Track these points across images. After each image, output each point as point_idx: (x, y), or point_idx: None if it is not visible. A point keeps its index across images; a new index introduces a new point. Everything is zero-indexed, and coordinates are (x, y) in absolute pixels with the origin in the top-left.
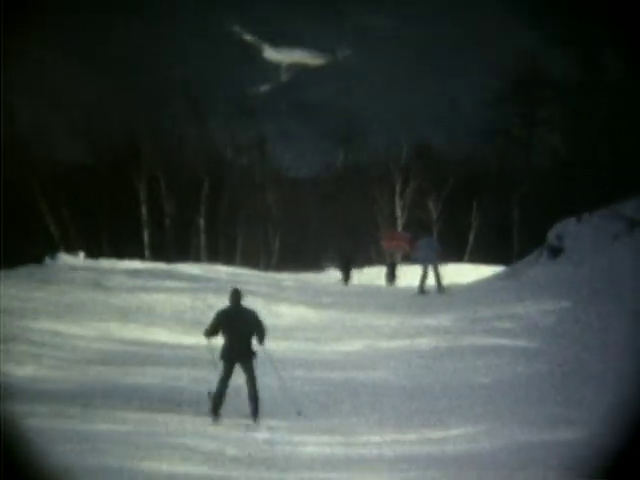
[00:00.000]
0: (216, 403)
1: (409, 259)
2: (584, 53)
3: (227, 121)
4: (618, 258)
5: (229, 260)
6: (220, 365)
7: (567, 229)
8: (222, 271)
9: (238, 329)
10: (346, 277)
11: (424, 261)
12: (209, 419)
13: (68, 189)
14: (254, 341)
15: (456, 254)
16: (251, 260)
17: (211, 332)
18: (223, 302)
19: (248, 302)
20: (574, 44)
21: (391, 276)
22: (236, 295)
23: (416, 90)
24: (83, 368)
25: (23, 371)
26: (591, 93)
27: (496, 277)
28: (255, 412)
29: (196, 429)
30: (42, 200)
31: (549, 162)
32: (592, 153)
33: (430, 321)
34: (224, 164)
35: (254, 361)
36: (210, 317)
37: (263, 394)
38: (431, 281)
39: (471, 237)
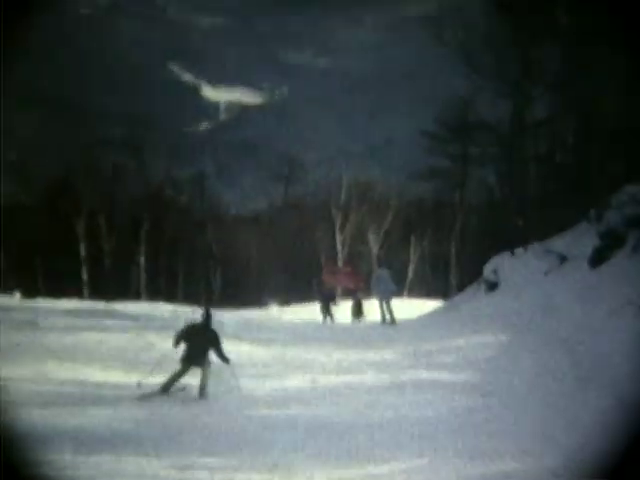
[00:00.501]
0: (166, 387)
1: (354, 294)
2: (515, 94)
3: (167, 159)
4: (550, 291)
5: (170, 298)
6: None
7: (502, 263)
8: (163, 309)
9: (199, 343)
10: (327, 314)
11: (382, 294)
12: (150, 459)
13: (4, 228)
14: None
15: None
16: (192, 298)
17: (177, 341)
18: (164, 340)
19: None
20: (505, 86)
21: (358, 311)
22: (207, 316)
23: (353, 127)
24: (17, 411)
25: None
26: (522, 133)
27: (436, 311)
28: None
29: (136, 470)
30: None
31: (484, 198)
32: (523, 189)
33: (373, 356)
34: (164, 201)
35: (208, 368)
36: (150, 356)
37: (203, 431)
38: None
39: (410, 271)
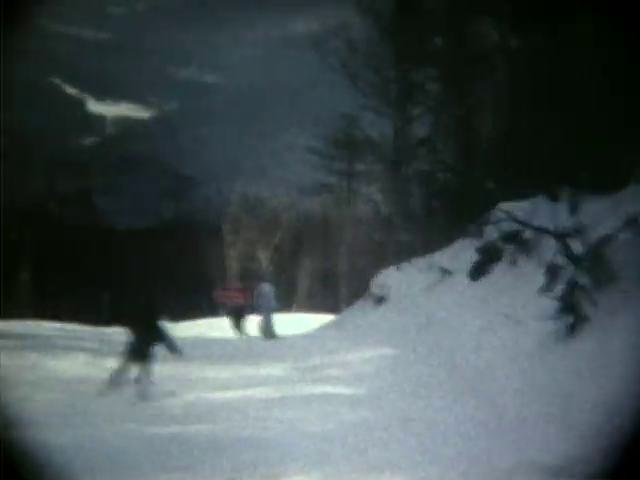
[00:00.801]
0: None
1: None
2: (396, 113)
3: (50, 173)
4: (435, 305)
5: (55, 316)
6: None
7: (389, 278)
8: (46, 327)
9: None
10: (240, 330)
11: (264, 309)
12: None
13: None
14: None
15: (286, 304)
16: (79, 316)
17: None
18: (46, 360)
19: (77, 358)
20: (387, 105)
21: (240, 326)
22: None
23: (241, 143)
24: None
25: None
26: (404, 151)
27: (325, 326)
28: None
29: None
30: None
31: (371, 213)
32: (406, 205)
33: (263, 371)
34: (49, 217)
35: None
36: (31, 376)
37: (89, 454)
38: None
39: (299, 287)
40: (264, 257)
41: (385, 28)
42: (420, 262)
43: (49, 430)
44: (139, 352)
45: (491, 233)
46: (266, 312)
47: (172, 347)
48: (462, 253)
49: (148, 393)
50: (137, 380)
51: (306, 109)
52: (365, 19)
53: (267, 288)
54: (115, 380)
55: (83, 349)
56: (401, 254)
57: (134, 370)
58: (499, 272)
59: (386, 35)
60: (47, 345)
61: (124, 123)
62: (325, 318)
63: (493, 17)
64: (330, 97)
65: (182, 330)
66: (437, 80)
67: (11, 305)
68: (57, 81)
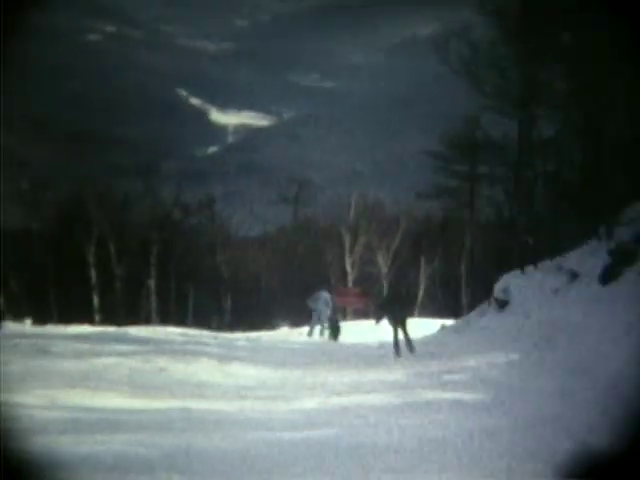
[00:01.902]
0: None
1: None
2: (520, 113)
3: (176, 182)
4: (561, 309)
5: (181, 321)
6: None
7: (512, 282)
8: (173, 333)
9: None
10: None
11: (319, 314)
12: None
13: (14, 255)
14: None
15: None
16: (203, 321)
17: None
18: (174, 364)
19: (201, 363)
20: (510, 106)
21: (335, 333)
22: None
23: (361, 148)
24: (29, 438)
25: None
26: (529, 151)
27: (446, 330)
28: None
29: None
30: None
31: (493, 216)
32: (532, 207)
33: (383, 377)
34: (173, 225)
35: None
36: (161, 380)
37: (217, 457)
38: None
39: (420, 291)
40: (383, 262)
41: (509, 27)
42: (546, 265)
43: (184, 435)
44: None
45: (623, 234)
46: (323, 316)
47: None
48: (591, 255)
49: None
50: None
51: (426, 112)
52: (488, 19)
53: (324, 295)
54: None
55: (208, 354)
56: (526, 257)
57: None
58: (631, 275)
59: (509, 34)
60: (174, 350)
61: (245, 131)
62: (446, 322)
63: (623, 12)
64: (450, 99)
65: (304, 335)
66: (565, 78)
67: (139, 311)
68: (183, 93)
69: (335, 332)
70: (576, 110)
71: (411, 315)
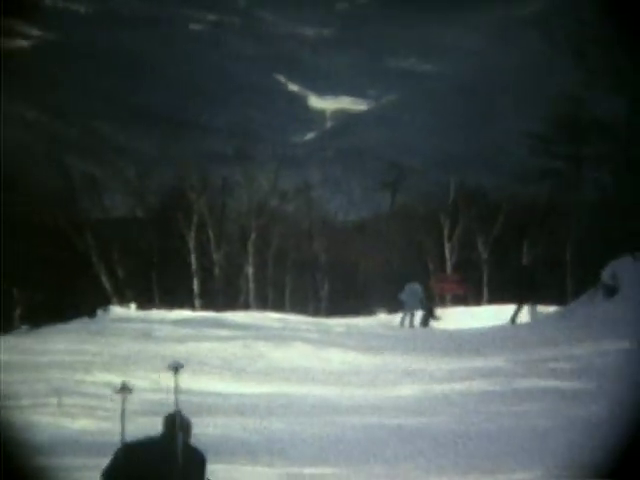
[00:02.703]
0: None
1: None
2: (630, 90)
3: (274, 168)
4: None
5: (278, 307)
6: None
7: (622, 268)
8: (271, 318)
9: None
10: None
11: (410, 307)
12: (263, 468)
13: (119, 242)
14: None
15: (507, 295)
16: (300, 306)
17: None
18: (272, 350)
19: (298, 348)
20: (620, 82)
21: (427, 320)
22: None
23: (461, 132)
24: (135, 419)
25: (77, 424)
26: (638, 129)
27: (552, 317)
28: None
29: (250, 478)
30: (95, 254)
31: (599, 199)
32: None
33: (484, 364)
34: (271, 212)
35: None
36: (259, 366)
37: (315, 443)
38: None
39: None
40: (483, 248)
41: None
42: None
43: (283, 419)
44: None
45: None
46: (412, 309)
47: None
48: None
49: None
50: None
51: (529, 94)
52: None
53: (416, 287)
54: None
55: (305, 340)
56: (636, 242)
57: None
58: None
59: (617, 10)
60: (272, 336)
61: (343, 117)
62: (550, 309)
63: None
64: (553, 80)
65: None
66: None
67: (238, 296)
68: (281, 79)
69: (426, 320)
70: None
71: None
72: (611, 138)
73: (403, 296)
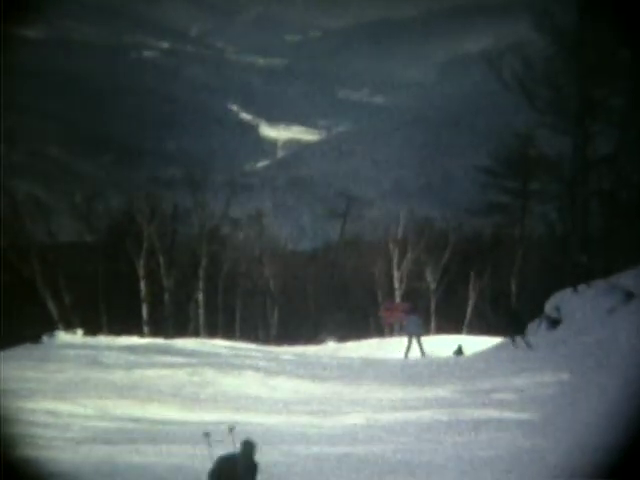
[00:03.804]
0: None
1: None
2: (576, 130)
3: (225, 196)
4: (615, 330)
5: (228, 334)
6: None
7: (564, 300)
8: (220, 345)
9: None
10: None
11: (412, 335)
12: None
13: (66, 266)
14: None
15: (454, 326)
16: (250, 333)
17: None
18: (220, 377)
19: (248, 376)
20: (566, 123)
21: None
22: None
23: (410, 164)
24: (78, 447)
25: (18, 454)
26: (584, 169)
27: (495, 348)
28: None
29: None
30: (40, 278)
31: (544, 234)
32: (585, 225)
33: (431, 394)
34: (222, 239)
35: None
36: (208, 393)
37: (261, 471)
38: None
39: (469, 308)
40: (432, 277)
41: (565, 43)
42: (600, 284)
43: (230, 447)
44: None
45: None
46: (417, 336)
47: None
48: None
49: None
50: None
51: (477, 128)
52: (544, 35)
53: (415, 319)
54: None
55: (255, 368)
56: (579, 275)
57: None
58: None
59: (566, 50)
60: (221, 363)
61: (295, 146)
62: (496, 341)
63: None
64: (502, 116)
65: (349, 350)
66: (621, 94)
67: (187, 323)
68: (234, 108)
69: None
70: (633, 127)
71: None
72: (556, 175)
73: (406, 328)
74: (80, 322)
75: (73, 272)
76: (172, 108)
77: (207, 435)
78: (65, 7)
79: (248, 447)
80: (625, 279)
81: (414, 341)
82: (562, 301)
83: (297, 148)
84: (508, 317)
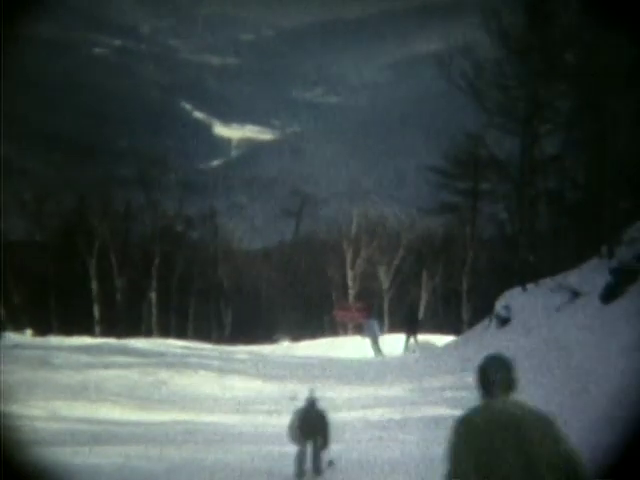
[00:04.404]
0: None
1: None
2: (523, 131)
3: (178, 195)
4: (562, 327)
5: (181, 334)
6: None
7: (513, 299)
8: (173, 345)
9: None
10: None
11: (370, 336)
12: None
13: (17, 266)
14: None
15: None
16: (203, 333)
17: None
18: (174, 377)
19: (201, 376)
20: (513, 123)
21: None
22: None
23: (363, 163)
24: (29, 450)
25: None
26: (531, 170)
27: (446, 347)
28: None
29: None
30: None
31: (495, 233)
32: (533, 225)
33: (382, 392)
34: (175, 238)
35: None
36: (161, 393)
37: (215, 471)
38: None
39: (421, 307)
40: (385, 276)
41: (513, 46)
42: (548, 283)
43: (183, 447)
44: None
45: (624, 253)
46: (375, 339)
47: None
48: (593, 274)
49: None
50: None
51: (428, 128)
52: (492, 38)
53: (374, 323)
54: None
55: (208, 367)
56: (527, 275)
57: None
58: (633, 294)
59: (514, 53)
60: (175, 363)
61: (248, 145)
62: (447, 339)
63: (628, 31)
64: (453, 116)
65: (303, 349)
66: (568, 97)
67: (140, 323)
68: (187, 106)
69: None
70: (579, 128)
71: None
72: (506, 176)
73: (365, 331)
74: (29, 322)
75: (23, 271)
76: (124, 106)
77: (293, 398)
78: (13, 2)
79: (312, 401)
80: (571, 278)
81: (371, 342)
82: (511, 299)
83: (251, 147)
84: (406, 316)
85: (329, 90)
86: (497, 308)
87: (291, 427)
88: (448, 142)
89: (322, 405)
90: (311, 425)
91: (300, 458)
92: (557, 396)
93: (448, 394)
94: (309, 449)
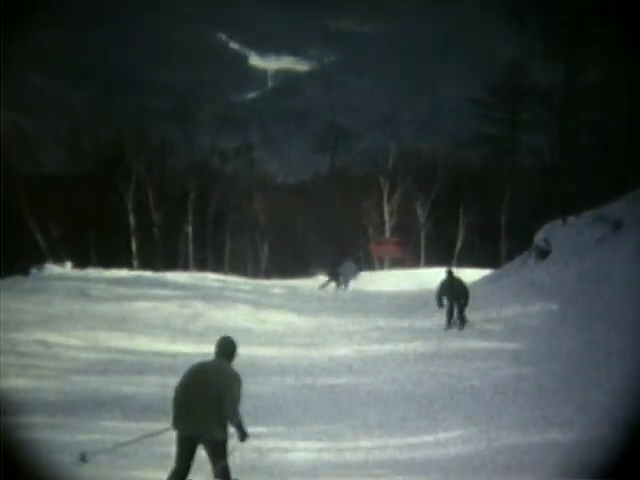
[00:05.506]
0: None
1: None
2: (568, 58)
3: (213, 129)
4: (603, 260)
5: (217, 268)
6: None
7: (553, 231)
8: (210, 279)
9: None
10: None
11: (347, 277)
12: None
13: (55, 200)
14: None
15: (444, 258)
16: (239, 267)
17: None
18: (210, 310)
19: (237, 309)
20: (558, 50)
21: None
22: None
23: (402, 95)
24: (69, 378)
25: (8, 383)
26: (575, 97)
27: (484, 280)
28: None
29: None
30: (29, 211)
31: (533, 165)
32: (575, 155)
33: (419, 325)
34: (211, 172)
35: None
36: (196, 325)
37: (250, 402)
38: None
39: (459, 241)
40: (421, 211)
41: None
42: (589, 215)
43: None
44: None
45: None
46: (349, 278)
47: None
48: (636, 205)
49: None
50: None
51: (469, 58)
52: None
53: (351, 264)
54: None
55: (244, 301)
56: (567, 206)
57: None
58: None
59: None
60: (211, 296)
61: (284, 77)
62: (485, 272)
63: None
64: (494, 45)
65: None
66: (612, 25)
67: (176, 256)
68: (222, 38)
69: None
70: (622, 57)
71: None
72: (547, 105)
73: (341, 270)
74: (69, 255)
75: (61, 205)
76: (158, 39)
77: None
78: None
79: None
80: (613, 209)
81: (342, 280)
82: (551, 232)
83: (287, 78)
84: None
85: (366, 19)
86: (536, 241)
87: (440, 292)
88: (487, 72)
89: None
90: (455, 289)
91: (450, 312)
92: (594, 327)
93: (485, 326)
94: (455, 307)
